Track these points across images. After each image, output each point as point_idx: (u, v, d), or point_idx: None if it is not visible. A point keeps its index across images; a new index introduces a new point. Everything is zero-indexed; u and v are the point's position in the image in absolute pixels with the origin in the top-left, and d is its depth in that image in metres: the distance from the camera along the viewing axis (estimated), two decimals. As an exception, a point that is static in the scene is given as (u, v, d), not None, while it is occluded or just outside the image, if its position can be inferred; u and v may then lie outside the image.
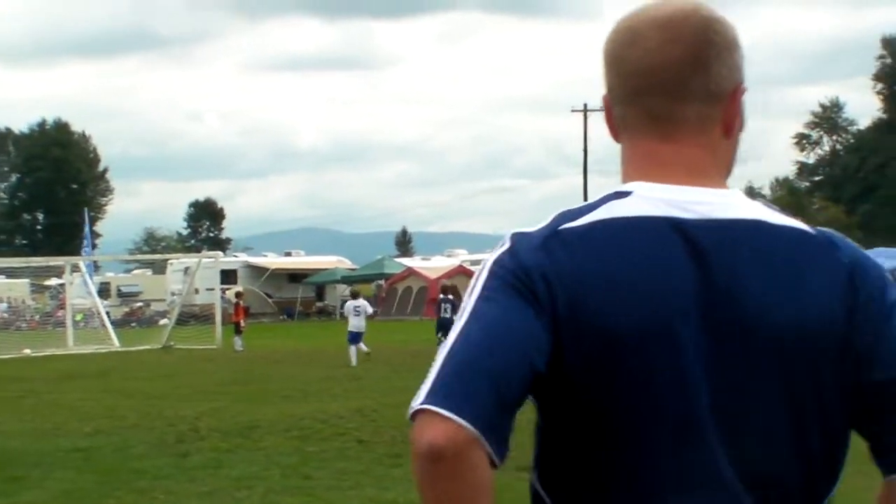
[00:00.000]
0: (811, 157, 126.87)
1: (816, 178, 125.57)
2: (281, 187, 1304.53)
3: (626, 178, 2.16)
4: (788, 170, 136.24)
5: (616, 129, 2.22)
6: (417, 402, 1.93)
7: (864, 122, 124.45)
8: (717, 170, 2.16)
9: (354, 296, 32.47)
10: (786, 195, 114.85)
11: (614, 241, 2.04)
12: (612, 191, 2.13)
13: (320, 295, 68.46)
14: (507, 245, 2.08)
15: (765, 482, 2.03)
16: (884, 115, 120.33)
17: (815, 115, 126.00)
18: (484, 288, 2.03)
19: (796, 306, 2.02)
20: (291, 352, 34.63)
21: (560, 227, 2.07)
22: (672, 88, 2.11)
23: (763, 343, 2.02)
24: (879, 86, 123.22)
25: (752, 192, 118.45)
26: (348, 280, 61.47)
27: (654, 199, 2.08)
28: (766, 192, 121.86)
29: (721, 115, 2.15)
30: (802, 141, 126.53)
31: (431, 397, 1.92)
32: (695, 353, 2.01)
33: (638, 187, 2.11)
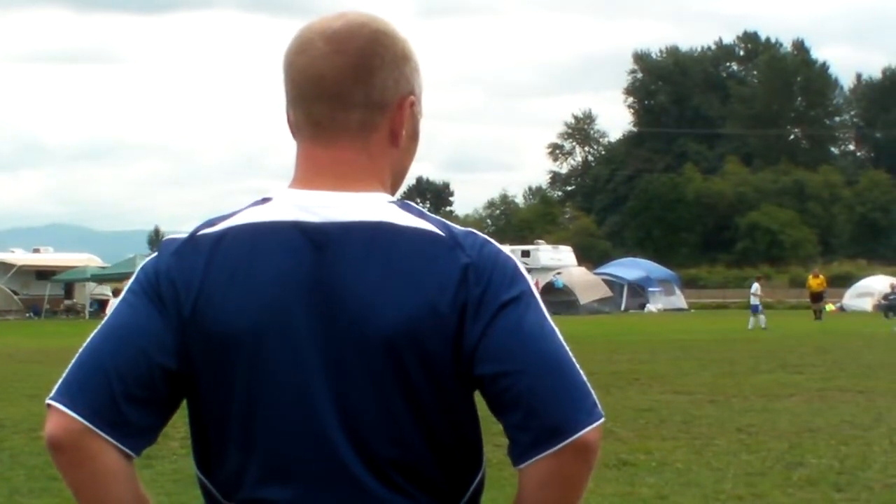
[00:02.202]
0: (564, 168, 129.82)
1: (569, 188, 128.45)
2: (29, 182, 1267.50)
3: (292, 180, 2.26)
4: (542, 179, 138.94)
5: (292, 133, 2.31)
6: (48, 398, 2.13)
7: (615, 135, 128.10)
8: (375, 176, 2.24)
9: (116, 294, 31.95)
10: (538, 204, 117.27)
11: (241, 245, 2.16)
12: (259, 197, 2.24)
13: (69, 293, 66.84)
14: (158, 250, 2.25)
15: (395, 475, 2.14)
16: (634, 129, 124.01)
17: (568, 125, 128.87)
18: (126, 291, 2.23)
19: (406, 306, 2.11)
20: (38, 350, 33.73)
21: (198, 233, 2.20)
22: (334, 96, 2.20)
23: (376, 342, 2.11)
24: (630, 99, 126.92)
25: (505, 200, 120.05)
26: (98, 278, 60.28)
27: (289, 204, 2.19)
28: (520, 200, 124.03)
29: (387, 124, 2.24)
30: (556, 151, 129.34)
31: (55, 393, 2.14)
32: (312, 354, 2.12)
33: (279, 193, 2.23)
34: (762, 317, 41.40)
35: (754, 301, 42.72)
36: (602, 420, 2.14)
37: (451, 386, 2.15)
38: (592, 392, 2.15)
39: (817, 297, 49.18)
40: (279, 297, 2.13)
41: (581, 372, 2.14)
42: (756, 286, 43.85)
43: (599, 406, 2.14)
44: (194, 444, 2.26)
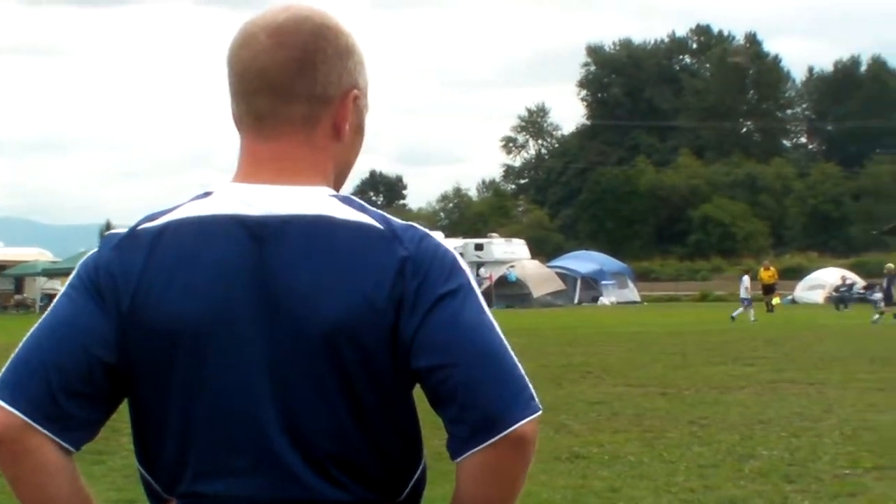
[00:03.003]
0: (517, 161, 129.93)
1: (522, 181, 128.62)
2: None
3: (234, 174, 2.25)
4: (495, 172, 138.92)
5: (236, 127, 2.30)
6: None
7: (568, 128, 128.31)
8: (317, 169, 2.24)
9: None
10: (492, 197, 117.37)
11: (181, 239, 2.15)
12: (201, 191, 2.23)
13: (19, 288, 66.40)
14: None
15: (334, 469, 2.14)
16: (587, 122, 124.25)
17: (521, 118, 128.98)
18: (67, 285, 2.22)
19: (343, 300, 2.10)
20: (-12, 346, 33.50)
21: (138, 227, 2.20)
22: (277, 90, 2.20)
23: (315, 337, 2.11)
24: (584, 92, 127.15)
25: (459, 194, 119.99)
26: (49, 273, 59.89)
27: (230, 198, 2.18)
28: (473, 193, 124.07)
29: (330, 118, 2.24)
30: (509, 144, 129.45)
31: None
32: (253, 348, 2.12)
33: (220, 187, 2.22)
34: (751, 310, 41.62)
35: (744, 294, 42.95)
36: (539, 413, 2.13)
37: (390, 380, 2.15)
38: (530, 385, 2.14)
39: (769, 290, 49.45)
40: (219, 292, 2.13)
41: (519, 365, 2.14)
42: (746, 279, 44.17)
43: (537, 399, 2.14)
44: (135, 439, 2.24)
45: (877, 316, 38.62)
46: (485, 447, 2.08)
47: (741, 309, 41.94)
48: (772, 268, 51.09)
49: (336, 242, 2.14)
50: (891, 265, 42.44)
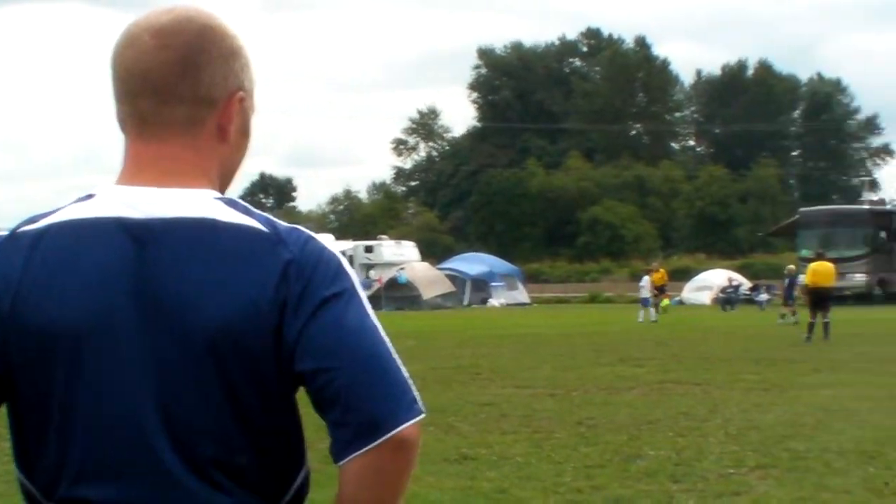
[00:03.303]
0: (408, 163, 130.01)
1: (412, 184, 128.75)
2: None
3: (118, 176, 2.23)
4: (386, 174, 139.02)
5: (120, 128, 2.28)
6: None
7: (459, 130, 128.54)
8: (202, 172, 2.22)
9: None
10: (382, 199, 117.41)
11: (62, 242, 2.13)
12: (83, 194, 2.21)
13: None
14: None
15: (216, 473, 2.13)
16: (478, 124, 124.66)
17: (412, 121, 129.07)
18: None
19: (227, 303, 2.10)
20: None
21: (18, 230, 2.18)
22: (160, 91, 2.18)
23: (198, 340, 2.09)
24: (474, 94, 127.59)
25: (349, 196, 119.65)
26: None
27: (112, 200, 2.16)
28: (363, 195, 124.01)
29: (214, 120, 2.23)
30: (400, 146, 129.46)
31: None
32: (134, 352, 2.10)
33: (102, 190, 2.20)
34: (652, 310, 41.97)
35: (644, 294, 43.31)
36: (422, 416, 2.14)
37: (274, 383, 2.14)
38: (413, 388, 2.15)
39: (659, 291, 49.86)
40: (101, 295, 2.11)
41: (402, 368, 2.14)
42: (646, 279, 44.56)
43: (420, 402, 2.15)
44: (14, 444, 2.21)
45: (781, 319, 38.78)
46: (367, 450, 2.09)
47: (642, 310, 42.26)
48: (661, 269, 51.57)
49: (220, 245, 2.13)
50: (792, 266, 43.15)
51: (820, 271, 29.96)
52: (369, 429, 2.08)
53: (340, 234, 77.49)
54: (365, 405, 2.09)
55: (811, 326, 29.16)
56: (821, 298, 29.72)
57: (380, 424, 2.08)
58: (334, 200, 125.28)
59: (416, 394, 2.15)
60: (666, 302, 48.54)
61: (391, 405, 2.10)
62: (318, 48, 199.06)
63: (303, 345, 2.11)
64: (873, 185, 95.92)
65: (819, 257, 31.22)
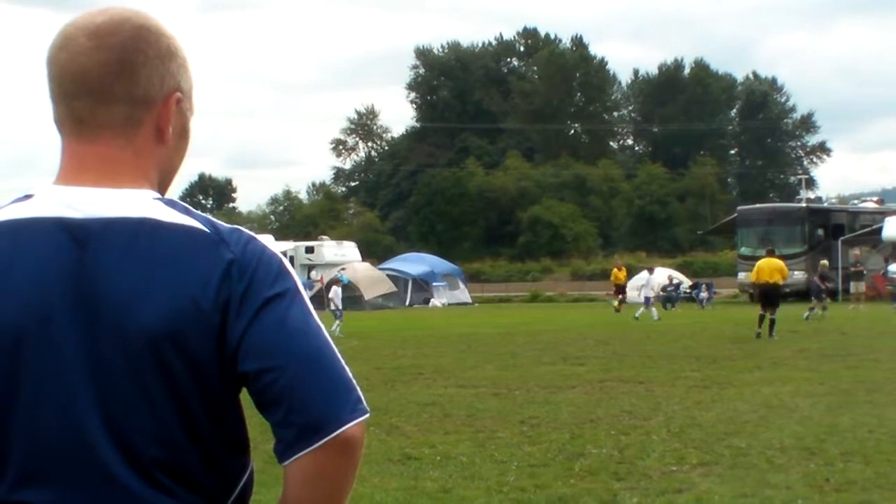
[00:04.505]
0: (347, 163, 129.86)
1: (352, 184, 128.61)
2: None
3: (56, 177, 2.21)
4: (325, 175, 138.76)
5: (57, 129, 2.26)
6: None
7: (398, 130, 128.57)
8: (140, 172, 2.21)
9: None
10: (322, 200, 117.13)
11: None
12: (21, 195, 2.20)
13: None
14: None
15: (160, 475, 2.11)
16: (416, 124, 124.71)
17: (351, 121, 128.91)
18: None
19: (168, 304, 2.08)
20: None
21: None
22: (96, 91, 2.17)
23: (138, 341, 2.08)
24: (413, 95, 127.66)
25: (289, 196, 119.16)
26: None
27: (51, 200, 2.15)
28: (304, 196, 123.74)
29: (152, 121, 2.23)
30: (339, 147, 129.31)
31: None
32: (75, 354, 2.08)
33: (40, 190, 2.18)
34: (653, 309, 41.42)
35: (647, 293, 43.07)
36: (367, 415, 2.15)
37: (216, 384, 2.14)
38: (357, 388, 2.15)
39: (621, 289, 49.72)
40: (40, 296, 2.08)
41: (346, 368, 2.15)
42: (645, 273, 44.73)
43: (364, 402, 2.16)
44: None
45: (808, 312, 38.25)
46: (312, 450, 2.09)
47: (643, 308, 41.72)
48: (624, 268, 51.51)
49: (160, 245, 2.11)
50: (824, 262, 43.79)
51: (764, 268, 29.57)
52: (313, 429, 2.08)
53: (281, 235, 77.36)
54: (309, 405, 2.09)
55: (761, 319, 28.84)
56: (766, 295, 29.43)
57: (324, 424, 2.08)
58: (274, 201, 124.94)
59: (361, 394, 2.15)
60: (615, 302, 48.47)
61: (335, 405, 2.10)
62: (256, 49, 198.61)
63: (246, 345, 2.10)
64: (810, 183, 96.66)
65: (769, 254, 30.82)
